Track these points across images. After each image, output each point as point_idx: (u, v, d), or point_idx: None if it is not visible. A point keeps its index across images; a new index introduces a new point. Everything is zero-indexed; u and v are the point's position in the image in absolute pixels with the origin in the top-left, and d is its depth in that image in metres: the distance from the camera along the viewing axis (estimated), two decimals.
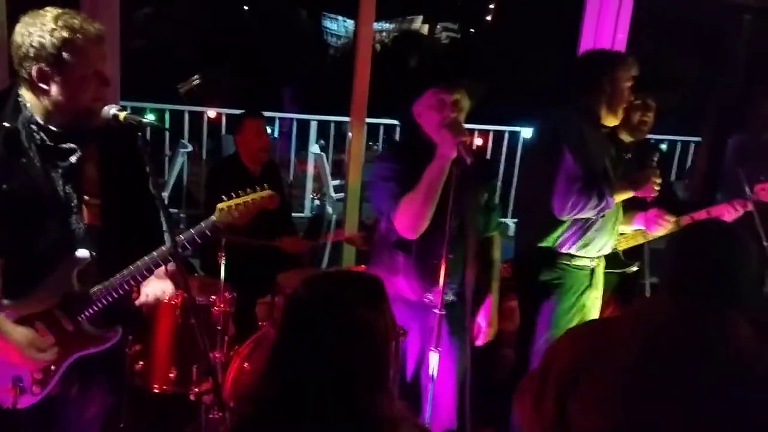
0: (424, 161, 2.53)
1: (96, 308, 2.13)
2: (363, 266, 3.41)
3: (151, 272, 2.13)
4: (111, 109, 1.97)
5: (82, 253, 2.09)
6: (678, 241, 1.80)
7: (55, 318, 2.10)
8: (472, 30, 18.13)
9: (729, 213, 3.34)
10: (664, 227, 3.21)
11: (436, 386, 2.58)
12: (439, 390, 2.65)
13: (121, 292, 2.13)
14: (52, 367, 2.11)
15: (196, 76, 8.96)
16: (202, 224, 2.15)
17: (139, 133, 1.90)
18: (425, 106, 2.62)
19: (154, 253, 2.10)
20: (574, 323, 3.12)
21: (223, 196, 2.18)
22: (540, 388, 1.76)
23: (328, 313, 1.43)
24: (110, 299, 2.13)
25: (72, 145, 2.08)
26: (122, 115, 1.94)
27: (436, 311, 2.53)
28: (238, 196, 2.17)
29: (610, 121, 3.09)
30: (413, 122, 2.67)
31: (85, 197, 2.10)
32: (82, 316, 2.12)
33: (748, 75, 4.31)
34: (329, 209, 6.78)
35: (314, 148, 7.33)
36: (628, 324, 1.73)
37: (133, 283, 2.14)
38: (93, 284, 2.12)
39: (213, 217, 2.15)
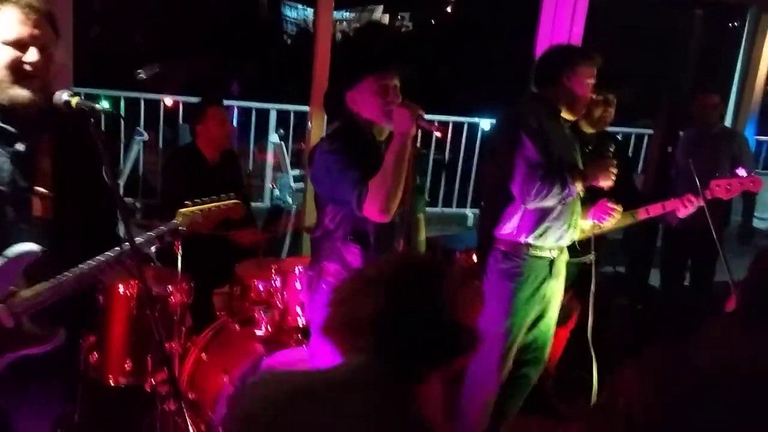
0: (363, 146, 2.57)
1: (40, 306, 1.99)
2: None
3: (103, 273, 2.03)
4: (63, 95, 1.90)
5: (30, 246, 1.99)
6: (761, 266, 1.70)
7: None
8: (433, 21, 18.17)
9: (683, 208, 3.42)
10: (612, 217, 3.27)
11: None
12: None
13: (70, 290, 2.01)
14: None
15: (156, 65, 8.79)
16: (163, 227, 2.12)
17: (92, 119, 1.84)
18: (366, 92, 2.58)
19: (109, 253, 2.02)
20: (533, 312, 3.17)
21: (187, 201, 2.16)
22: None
23: (407, 291, 1.52)
24: (56, 298, 2.00)
25: (12, 129, 1.98)
26: (74, 100, 1.87)
27: None
28: (202, 201, 2.15)
29: (568, 116, 3.13)
30: (347, 109, 2.63)
31: (38, 189, 2.01)
32: (25, 311, 1.98)
33: (699, 68, 4.42)
34: (289, 199, 6.75)
35: (273, 137, 7.27)
36: (715, 356, 1.61)
37: (85, 282, 2.03)
38: (41, 280, 1.99)
39: (175, 221, 2.12)
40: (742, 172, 3.48)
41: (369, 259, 2.62)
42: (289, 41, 15.80)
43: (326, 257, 2.68)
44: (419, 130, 2.51)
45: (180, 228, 2.14)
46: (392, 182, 2.48)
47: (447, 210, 7.48)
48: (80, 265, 2.01)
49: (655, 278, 4.97)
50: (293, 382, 1.54)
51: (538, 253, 3.10)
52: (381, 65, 2.60)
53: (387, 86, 2.56)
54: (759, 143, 7.17)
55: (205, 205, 2.17)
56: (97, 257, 2.02)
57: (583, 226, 3.32)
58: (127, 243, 1.94)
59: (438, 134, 2.51)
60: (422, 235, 2.88)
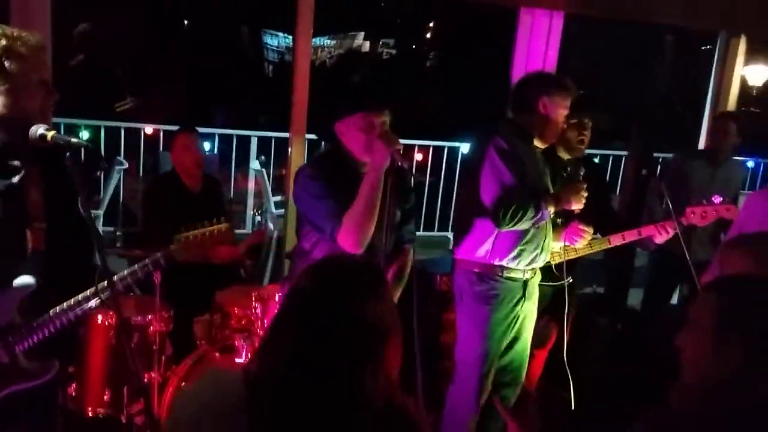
0: (349, 175, 2.61)
1: (35, 341, 2.03)
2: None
3: (96, 303, 2.05)
4: (38, 129, 1.91)
5: (26, 280, 2.02)
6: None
7: None
8: (414, 46, 18.35)
9: (659, 234, 3.43)
10: (583, 238, 3.32)
11: None
12: None
13: (64, 323, 2.04)
14: None
15: (128, 100, 8.78)
16: (158, 254, 2.13)
17: (67, 153, 1.86)
18: (353, 127, 2.65)
19: (99, 286, 2.03)
20: (509, 334, 3.20)
21: (182, 228, 2.17)
22: None
23: (331, 304, 1.41)
24: (52, 332, 2.04)
25: (17, 163, 2.01)
26: (50, 135, 1.89)
27: None
28: (192, 227, 2.16)
29: (541, 143, 3.18)
30: (335, 138, 2.71)
31: (32, 222, 2.03)
32: (20, 348, 2.02)
33: (670, 92, 4.50)
34: (270, 225, 6.74)
35: (254, 164, 7.29)
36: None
37: (78, 314, 2.05)
38: (34, 314, 2.03)
39: (170, 248, 2.14)
40: (717, 199, 3.49)
41: None
42: (270, 68, 15.90)
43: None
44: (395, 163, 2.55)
45: (174, 255, 2.15)
46: (365, 215, 2.54)
47: (428, 233, 7.52)
48: (73, 299, 2.04)
49: (633, 298, 5.02)
50: (224, 389, 1.48)
51: (512, 275, 3.13)
52: (369, 104, 2.65)
53: (373, 123, 2.61)
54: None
55: (198, 231, 2.17)
56: (87, 291, 2.04)
57: (554, 248, 3.37)
58: (104, 274, 1.94)
59: (404, 166, 2.55)
60: (406, 269, 2.89)
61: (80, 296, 2.05)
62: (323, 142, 6.37)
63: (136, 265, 2.12)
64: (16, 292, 2.01)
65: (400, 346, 1.49)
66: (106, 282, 2.00)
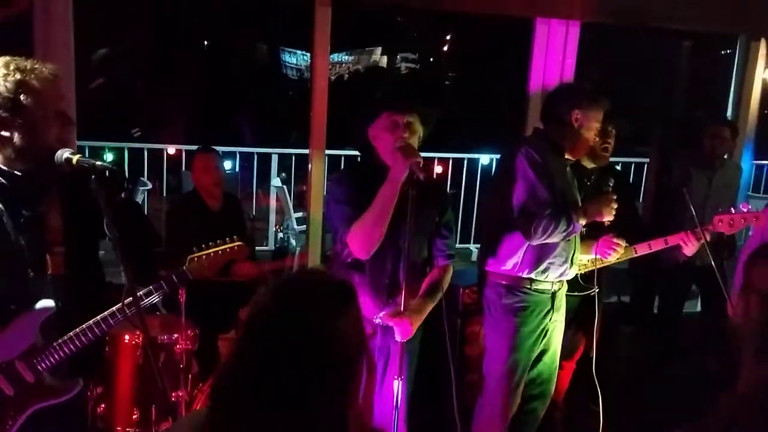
0: (379, 183, 2.61)
1: (58, 359, 2.09)
2: None
3: (116, 322, 2.11)
4: (64, 153, 1.96)
5: (46, 303, 2.07)
6: None
7: (16, 370, 2.06)
8: (431, 59, 18.40)
9: (686, 244, 3.36)
10: (616, 252, 3.28)
11: (390, 406, 2.63)
12: (389, 410, 2.70)
13: (85, 342, 2.10)
14: (10, 419, 2.07)
15: (136, 130, 8.85)
16: (173, 275, 2.17)
17: (93, 176, 1.90)
18: (380, 127, 2.70)
19: (119, 305, 2.08)
20: (537, 346, 3.18)
21: (194, 248, 2.21)
22: None
23: (290, 320, 1.33)
24: (73, 350, 2.10)
25: (36, 193, 2.06)
26: (75, 158, 1.94)
27: (398, 338, 2.60)
28: (206, 245, 2.20)
29: (571, 156, 3.15)
30: (369, 145, 2.75)
31: (51, 247, 2.08)
32: (43, 367, 2.09)
33: (690, 97, 4.47)
34: (293, 241, 6.78)
35: (275, 181, 7.34)
36: None
37: (97, 333, 2.11)
38: (56, 335, 2.09)
39: (183, 268, 2.18)
40: (745, 207, 3.43)
41: (365, 287, 2.73)
42: (289, 89, 16.02)
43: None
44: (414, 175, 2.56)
45: (187, 274, 2.20)
46: (372, 223, 2.58)
47: None
48: (94, 319, 2.09)
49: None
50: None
51: (540, 287, 3.11)
52: (392, 102, 2.72)
53: (398, 122, 2.65)
54: (758, 167, 7.20)
55: (210, 250, 2.22)
56: (108, 311, 2.09)
57: (584, 260, 3.34)
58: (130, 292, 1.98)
59: (421, 178, 2.57)
60: (444, 284, 2.88)
61: (99, 316, 2.10)
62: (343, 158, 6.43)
63: (151, 286, 2.15)
64: (36, 314, 2.06)
65: (361, 371, 1.42)
66: (123, 300, 2.04)
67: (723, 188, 4.43)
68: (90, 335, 2.10)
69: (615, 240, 3.26)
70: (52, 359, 2.08)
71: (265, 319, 1.35)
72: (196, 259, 2.21)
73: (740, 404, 1.57)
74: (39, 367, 2.08)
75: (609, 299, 4.36)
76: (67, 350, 2.09)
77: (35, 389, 2.09)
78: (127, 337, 3.11)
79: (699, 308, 4.86)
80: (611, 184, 3.21)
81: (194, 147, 4.52)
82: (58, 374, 2.13)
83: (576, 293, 3.44)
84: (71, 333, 2.08)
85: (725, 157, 4.51)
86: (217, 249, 2.23)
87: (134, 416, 3.11)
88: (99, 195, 1.89)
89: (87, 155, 2.01)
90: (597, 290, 3.40)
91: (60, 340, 2.08)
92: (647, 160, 6.88)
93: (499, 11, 4.51)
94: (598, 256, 3.30)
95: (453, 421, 2.79)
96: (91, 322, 2.09)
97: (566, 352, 3.58)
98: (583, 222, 3.03)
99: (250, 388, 1.31)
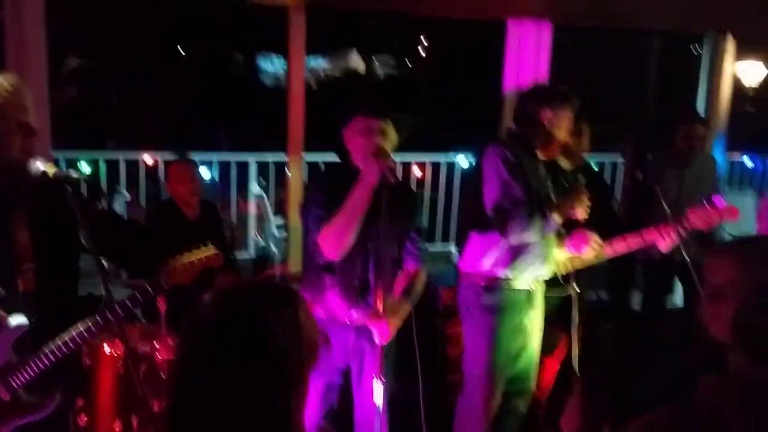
0: (352, 186, 2.65)
1: (33, 375, 2.06)
2: None
3: (92, 335, 2.09)
4: (40, 167, 1.95)
5: (19, 320, 2.05)
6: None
7: None
8: (409, 64, 18.46)
9: (662, 240, 3.37)
10: (592, 248, 3.31)
11: (370, 408, 2.66)
12: (370, 410, 2.73)
13: (59, 356, 2.07)
14: None
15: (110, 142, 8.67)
16: (146, 284, 2.17)
17: (69, 188, 1.89)
18: (354, 131, 2.74)
19: (95, 317, 2.08)
20: (515, 345, 3.21)
21: (169, 259, 2.21)
22: None
23: (228, 329, 1.30)
24: (47, 365, 2.07)
25: (3, 208, 2.03)
26: (51, 171, 1.93)
27: (377, 341, 2.63)
28: (180, 253, 2.20)
29: (544, 156, 3.19)
30: (344, 148, 2.79)
31: (22, 264, 2.05)
32: (18, 384, 2.05)
33: (661, 95, 4.54)
34: (273, 248, 6.76)
35: (254, 187, 7.32)
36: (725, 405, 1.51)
37: (72, 347, 2.09)
38: (30, 351, 2.06)
39: (158, 275, 2.17)
40: (720, 201, 3.46)
41: (335, 287, 2.77)
42: (266, 96, 15.99)
43: (305, 282, 2.89)
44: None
45: (161, 283, 2.19)
46: (342, 225, 2.63)
47: (430, 247, 7.49)
48: (66, 333, 2.06)
49: (637, 303, 5.03)
50: None
51: (517, 285, 3.14)
52: (366, 107, 2.76)
53: (371, 127, 2.67)
54: (731, 163, 7.29)
55: (186, 258, 2.22)
56: (82, 322, 2.06)
57: (559, 257, 3.37)
58: (107, 303, 1.97)
59: (392, 181, 2.62)
60: (418, 287, 2.94)
61: (73, 330, 2.08)
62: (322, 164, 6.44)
63: (125, 298, 2.15)
64: (10, 332, 2.04)
65: (305, 378, 1.38)
66: (98, 312, 2.04)
67: (696, 181, 4.48)
68: (65, 349, 2.07)
69: (588, 234, 3.28)
70: (26, 375, 2.05)
71: (203, 324, 1.32)
72: (170, 267, 2.20)
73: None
74: (14, 384, 2.05)
75: (588, 297, 4.40)
76: (41, 365, 2.06)
77: (11, 407, 2.06)
78: (107, 347, 3.09)
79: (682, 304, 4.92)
80: (582, 181, 3.26)
81: (171, 156, 4.51)
82: (34, 391, 2.10)
83: (556, 294, 3.47)
84: (45, 349, 2.06)
85: (698, 151, 4.57)
86: (192, 257, 2.23)
87: (116, 428, 3.09)
88: (75, 206, 1.88)
89: (63, 166, 2.00)
90: (577, 290, 3.43)
91: (35, 356, 2.05)
92: (621, 159, 6.97)
93: (475, 16, 4.55)
94: (572, 250, 3.32)
95: (435, 421, 2.82)
96: (65, 336, 2.06)
97: (547, 349, 3.62)
98: (557, 218, 3.06)
99: (193, 397, 1.29)
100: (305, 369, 1.36)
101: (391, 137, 2.75)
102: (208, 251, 2.26)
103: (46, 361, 2.06)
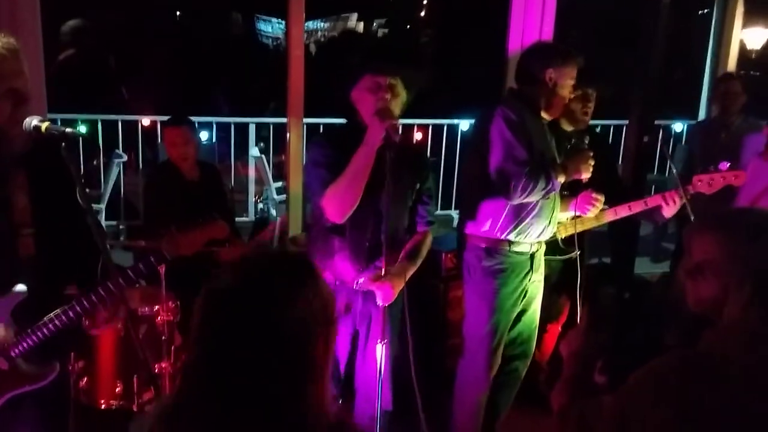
0: (357, 145, 2.59)
1: (31, 344, 2.03)
2: None
3: (93, 306, 2.05)
4: (32, 121, 1.87)
5: (18, 287, 2.00)
6: None
7: None
8: (408, 26, 18.21)
9: (668, 206, 3.34)
10: (595, 207, 3.28)
11: (373, 371, 2.64)
12: (372, 373, 2.71)
13: (59, 326, 2.03)
14: None
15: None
16: (150, 257, 2.13)
17: (63, 144, 1.83)
18: (362, 89, 2.66)
19: (97, 288, 2.03)
20: (517, 307, 3.20)
21: (173, 225, 2.17)
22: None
23: (248, 302, 1.29)
24: (47, 335, 2.03)
25: None
26: (44, 126, 1.85)
27: (379, 303, 2.60)
28: (186, 224, 2.16)
29: (548, 116, 3.14)
30: (351, 107, 2.71)
31: (20, 229, 1.99)
32: (16, 353, 2.02)
33: (668, 57, 4.46)
34: (273, 212, 6.74)
35: (254, 151, 7.27)
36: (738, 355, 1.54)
37: (72, 317, 2.04)
38: (29, 320, 2.02)
39: (162, 246, 2.14)
40: (724, 166, 3.41)
41: (344, 251, 2.72)
42: (265, 58, 15.80)
43: (312, 245, 2.83)
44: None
45: (164, 254, 2.15)
46: (346, 187, 2.57)
47: None
48: (67, 306, 2.02)
49: (640, 267, 5.02)
50: None
51: (519, 248, 3.12)
52: (374, 64, 2.67)
53: (380, 84, 2.60)
54: None
55: (190, 231, 2.18)
56: (82, 292, 2.02)
57: (563, 218, 3.34)
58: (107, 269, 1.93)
59: (396, 140, 2.55)
60: (423, 250, 2.89)
61: (74, 300, 2.03)
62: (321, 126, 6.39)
63: (128, 270, 2.11)
64: (8, 300, 2.00)
65: (330, 351, 1.37)
66: (98, 280, 1.99)
67: (737, 148, 4.34)
68: (65, 320, 2.03)
69: (594, 195, 3.25)
70: (25, 345, 2.02)
71: (223, 300, 1.31)
72: (174, 238, 2.16)
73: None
74: (12, 353, 2.02)
75: (590, 261, 4.38)
76: (41, 335, 2.02)
77: (9, 376, 2.03)
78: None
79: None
80: (587, 141, 3.22)
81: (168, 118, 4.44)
82: (33, 360, 2.06)
83: (558, 257, 3.45)
84: (45, 318, 2.02)
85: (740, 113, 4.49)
86: (196, 230, 2.19)
87: (117, 389, 3.09)
88: (69, 162, 1.83)
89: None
90: (578, 252, 3.42)
91: (35, 325, 2.02)
92: (625, 122, 6.89)
93: None
94: (578, 213, 3.30)
95: (436, 385, 2.81)
96: (66, 306, 2.02)
97: (551, 315, 3.61)
98: (561, 179, 3.03)
99: (211, 371, 1.28)
100: (325, 339, 1.34)
101: (401, 95, 2.67)
102: (211, 224, 2.21)
103: (45, 331, 2.02)
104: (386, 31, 17.78)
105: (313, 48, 15.07)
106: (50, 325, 2.02)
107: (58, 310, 2.03)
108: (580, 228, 3.40)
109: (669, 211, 3.38)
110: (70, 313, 2.04)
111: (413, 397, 2.70)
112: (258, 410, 1.27)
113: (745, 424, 1.48)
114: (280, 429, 1.27)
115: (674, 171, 3.33)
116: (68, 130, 1.85)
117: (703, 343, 1.62)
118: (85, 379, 3.13)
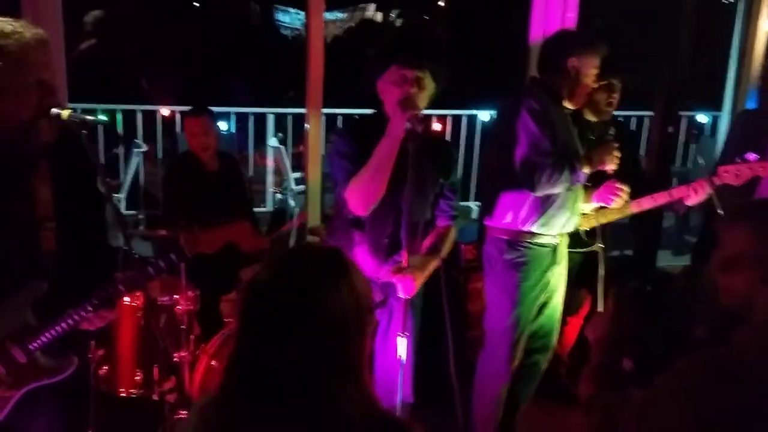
0: (381, 137, 2.55)
1: (50, 338, 2.01)
2: None
3: (112, 303, 2.05)
4: (53, 110, 1.86)
5: (38, 281, 2.00)
6: None
7: (6, 350, 1.99)
8: (426, 17, 18.11)
9: (691, 196, 3.29)
10: (619, 197, 3.22)
11: (393, 362, 2.60)
12: (393, 365, 2.67)
13: (79, 321, 2.02)
14: (2, 400, 2.01)
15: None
16: (171, 255, 2.12)
17: (83, 132, 1.81)
18: (387, 80, 2.61)
19: (116, 283, 2.02)
20: (539, 300, 3.16)
21: (194, 225, 2.16)
22: None
23: (287, 297, 1.33)
24: (66, 329, 2.02)
25: (22, 166, 1.96)
26: (65, 113, 1.84)
27: (401, 295, 2.57)
28: (208, 223, 2.15)
29: (571, 105, 3.10)
30: (377, 98, 2.67)
31: (43, 222, 1.98)
32: (35, 346, 2.01)
33: (693, 48, 4.39)
34: (291, 202, 6.74)
35: (272, 141, 7.26)
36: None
37: (90, 310, 2.03)
38: (50, 314, 2.01)
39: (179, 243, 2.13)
40: (751, 156, 3.34)
41: (364, 244, 2.70)
42: (284, 48, 15.80)
43: (333, 236, 2.80)
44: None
45: (185, 252, 2.14)
46: (369, 180, 2.53)
47: None
48: (86, 298, 2.01)
49: (662, 260, 4.96)
50: None
51: (542, 240, 3.08)
52: (400, 56, 2.61)
53: (406, 76, 2.56)
54: None
55: (211, 230, 2.16)
56: (102, 287, 2.01)
57: (586, 210, 3.30)
58: (129, 256, 1.93)
59: (418, 130, 2.50)
60: (447, 245, 2.84)
61: (95, 296, 2.02)
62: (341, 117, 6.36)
63: (148, 266, 2.09)
64: (28, 293, 2.00)
65: (365, 345, 1.41)
66: (120, 272, 1.99)
67: None
68: (85, 315, 2.02)
69: (617, 185, 3.19)
70: (45, 338, 2.01)
71: (262, 294, 1.36)
72: (193, 235, 2.14)
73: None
74: (31, 347, 2.01)
75: (612, 254, 4.33)
76: (60, 330, 2.01)
77: (28, 369, 2.02)
78: (127, 298, 3.08)
79: None
80: (612, 133, 3.16)
81: (188, 108, 4.44)
82: (51, 353, 2.06)
83: (579, 249, 3.41)
84: (65, 312, 2.00)
85: None
86: (217, 230, 2.18)
87: (137, 378, 3.11)
88: (89, 149, 1.82)
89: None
90: (601, 246, 3.37)
91: (54, 319, 2.01)
92: (650, 113, 6.80)
93: None
94: (601, 204, 3.25)
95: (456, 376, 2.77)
96: (85, 301, 2.00)
97: (572, 307, 3.57)
98: (586, 170, 2.98)
99: (253, 364, 1.33)
100: (362, 333, 1.38)
101: (428, 88, 2.63)
102: (234, 224, 2.19)
103: (65, 325, 2.01)
104: (404, 21, 17.69)
105: (330, 38, 15.03)
106: (69, 320, 2.01)
107: (77, 305, 2.02)
108: (603, 220, 3.35)
109: (692, 201, 3.32)
110: (89, 307, 2.03)
111: (431, 389, 2.67)
112: (300, 402, 1.30)
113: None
114: (322, 422, 1.30)
115: (700, 162, 3.26)
116: (89, 117, 1.85)
117: (732, 344, 1.58)
118: (105, 367, 3.15)
